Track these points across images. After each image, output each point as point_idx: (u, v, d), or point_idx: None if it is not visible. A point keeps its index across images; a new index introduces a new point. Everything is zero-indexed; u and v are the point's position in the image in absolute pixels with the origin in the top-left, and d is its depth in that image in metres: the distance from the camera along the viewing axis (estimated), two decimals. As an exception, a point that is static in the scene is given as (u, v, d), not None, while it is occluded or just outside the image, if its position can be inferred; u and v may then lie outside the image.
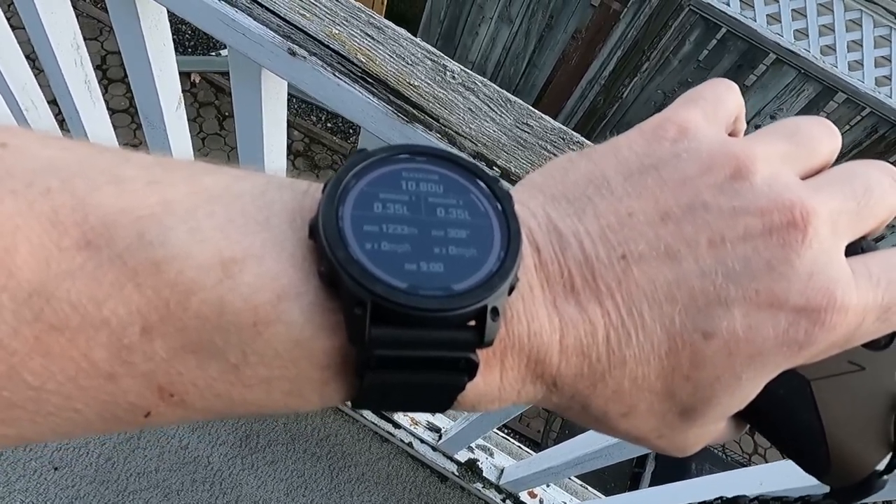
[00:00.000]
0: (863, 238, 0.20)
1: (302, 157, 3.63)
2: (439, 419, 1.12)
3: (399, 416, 1.11)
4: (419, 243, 0.17)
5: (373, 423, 1.11)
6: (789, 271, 0.18)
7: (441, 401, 0.18)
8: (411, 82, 0.44)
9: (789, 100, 3.00)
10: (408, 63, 0.45)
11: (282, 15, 0.44)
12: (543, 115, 0.46)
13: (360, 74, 0.44)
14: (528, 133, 0.45)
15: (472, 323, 0.17)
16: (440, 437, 1.09)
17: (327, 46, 0.44)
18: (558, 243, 0.18)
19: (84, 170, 0.16)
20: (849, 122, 2.97)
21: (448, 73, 0.46)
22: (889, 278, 0.19)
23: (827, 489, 0.23)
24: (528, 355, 0.18)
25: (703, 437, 0.21)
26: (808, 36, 2.84)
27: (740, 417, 0.22)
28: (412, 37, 0.47)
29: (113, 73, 3.27)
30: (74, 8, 0.62)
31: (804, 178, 0.20)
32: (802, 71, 2.87)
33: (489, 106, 0.45)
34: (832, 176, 0.20)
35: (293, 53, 0.43)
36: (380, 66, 0.44)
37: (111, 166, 0.17)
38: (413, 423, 1.11)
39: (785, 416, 0.21)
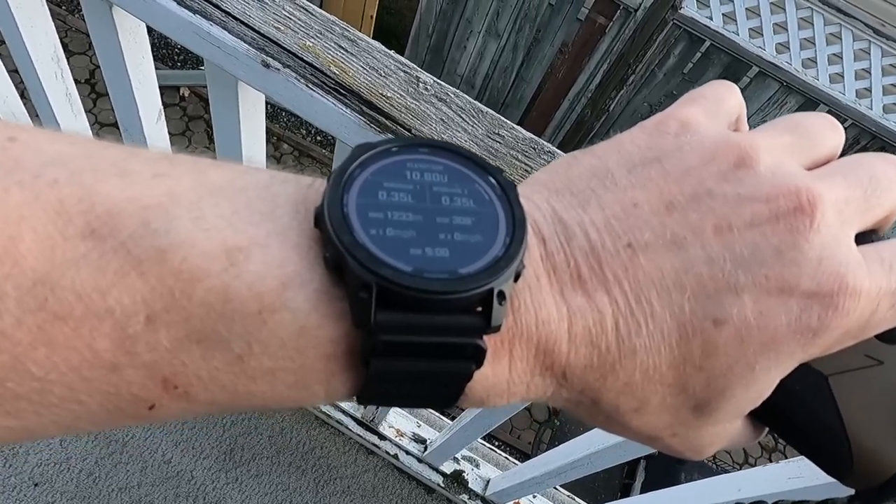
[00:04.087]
0: (873, 232, 0.20)
1: (291, 170, 3.64)
2: (425, 430, 1.11)
3: (384, 428, 1.10)
4: (424, 230, 0.17)
5: (358, 434, 1.11)
6: (799, 256, 0.18)
7: (449, 392, 0.18)
8: (384, 93, 0.45)
9: (772, 112, 3.04)
10: (381, 75, 0.46)
11: (256, 28, 0.45)
12: (515, 126, 0.47)
13: (333, 86, 0.44)
14: (500, 143, 0.46)
15: (479, 309, 0.16)
16: (426, 449, 1.09)
17: (301, 59, 0.45)
18: (563, 234, 0.18)
19: (91, 163, 0.16)
20: (831, 133, 3.02)
21: (421, 84, 0.46)
22: None
23: (850, 491, 0.22)
24: (536, 345, 0.18)
25: (718, 436, 0.21)
26: (789, 49, 2.89)
27: (756, 418, 0.21)
28: (385, 49, 0.48)
29: (101, 87, 3.27)
30: (63, 22, 0.63)
31: (809, 169, 0.20)
32: (785, 83, 2.91)
33: (461, 117, 0.46)
34: (837, 165, 0.20)
35: (267, 65, 0.44)
36: (353, 77, 0.45)
37: (118, 160, 0.17)
38: (398, 435, 1.10)
39: (803, 414, 0.21)
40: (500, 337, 0.17)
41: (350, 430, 1.11)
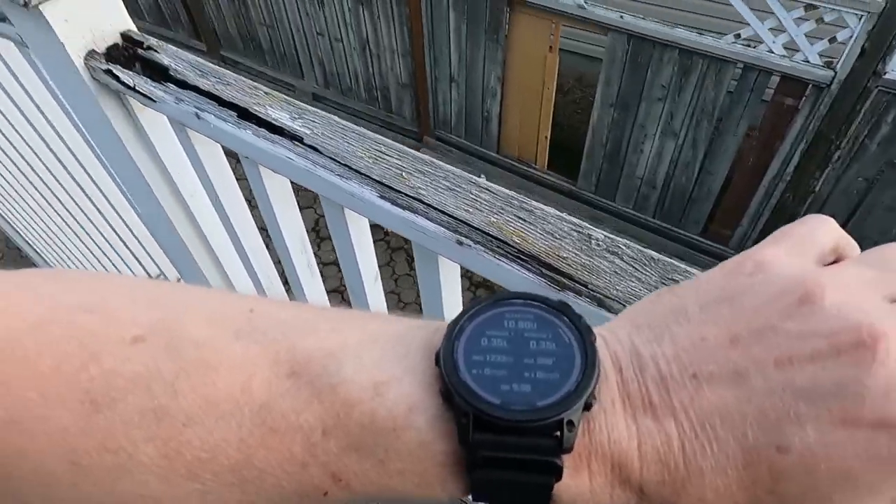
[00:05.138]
0: None
1: (483, 286, 3.85)
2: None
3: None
4: (513, 369, 0.22)
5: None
6: (862, 389, 0.18)
7: (539, 499, 0.21)
8: (560, 255, 0.51)
9: None
10: (556, 237, 0.52)
11: (450, 213, 0.55)
12: (688, 268, 0.49)
13: (515, 254, 0.52)
14: (675, 287, 0.48)
15: (557, 433, 0.20)
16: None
17: (487, 234, 0.53)
18: (638, 365, 0.22)
19: (297, 325, 0.25)
20: None
21: (593, 241, 0.52)
22: None
23: None
24: (610, 461, 0.21)
25: None
26: None
27: None
28: (559, 213, 0.54)
29: (324, 233, 3.89)
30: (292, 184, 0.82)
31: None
32: None
33: (634, 266, 0.50)
34: None
35: (461, 243, 0.53)
36: (532, 244, 0.52)
37: (312, 321, 0.25)
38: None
39: None
40: (579, 454, 0.21)
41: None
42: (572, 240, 0.52)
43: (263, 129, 0.65)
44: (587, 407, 0.21)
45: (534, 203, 0.55)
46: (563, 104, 4.75)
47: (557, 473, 0.21)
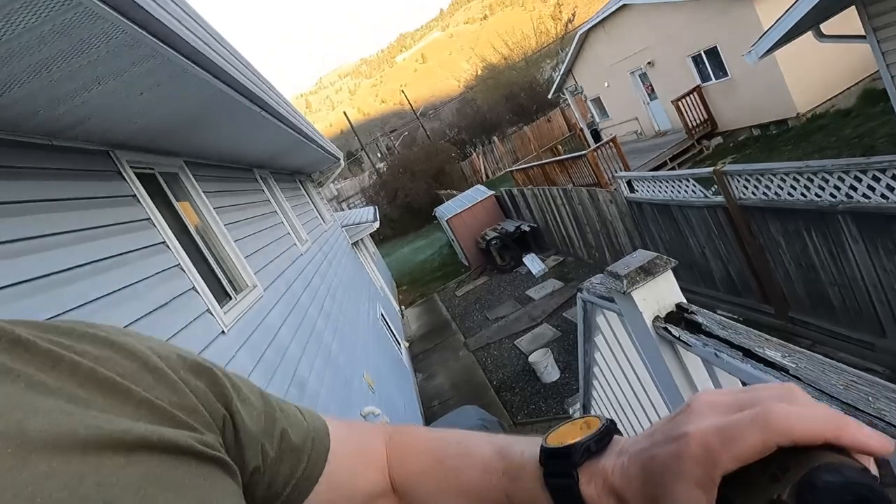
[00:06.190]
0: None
1: None
2: None
3: None
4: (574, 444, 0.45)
5: None
6: (675, 426, 0.38)
7: (574, 496, 0.43)
8: None
9: None
10: None
11: (828, 393, 0.65)
12: None
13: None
14: None
15: (574, 457, 0.44)
16: None
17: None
18: (630, 441, 0.43)
19: (506, 439, 0.56)
20: None
21: None
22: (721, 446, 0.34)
23: None
24: (603, 478, 0.42)
25: None
26: None
27: None
28: None
29: None
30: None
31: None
32: None
33: None
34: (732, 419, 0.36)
35: (915, 455, 0.63)
36: None
37: (514, 438, 0.55)
38: None
39: None
40: (591, 473, 0.43)
41: None
42: None
43: (760, 364, 0.90)
44: (589, 450, 0.44)
45: None
46: None
47: (576, 478, 0.43)
